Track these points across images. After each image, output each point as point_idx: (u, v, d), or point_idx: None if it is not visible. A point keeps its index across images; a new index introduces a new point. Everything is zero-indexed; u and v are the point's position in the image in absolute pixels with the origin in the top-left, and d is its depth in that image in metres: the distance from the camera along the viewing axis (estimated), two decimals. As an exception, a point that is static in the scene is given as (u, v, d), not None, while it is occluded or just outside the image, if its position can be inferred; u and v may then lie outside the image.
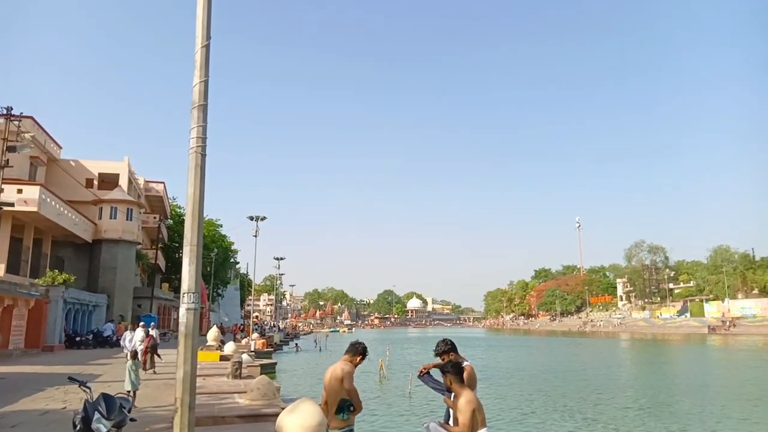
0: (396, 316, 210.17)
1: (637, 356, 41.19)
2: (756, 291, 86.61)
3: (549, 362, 34.37)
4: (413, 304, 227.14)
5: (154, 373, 16.19)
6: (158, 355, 17.63)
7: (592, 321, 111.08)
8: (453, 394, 4.52)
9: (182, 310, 5.11)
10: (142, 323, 21.01)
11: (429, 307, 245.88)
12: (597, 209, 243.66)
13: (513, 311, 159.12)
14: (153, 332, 19.00)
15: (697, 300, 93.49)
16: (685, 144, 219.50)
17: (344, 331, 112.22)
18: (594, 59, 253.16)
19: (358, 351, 4.88)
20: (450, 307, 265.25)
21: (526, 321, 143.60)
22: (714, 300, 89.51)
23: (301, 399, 4.83)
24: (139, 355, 14.70)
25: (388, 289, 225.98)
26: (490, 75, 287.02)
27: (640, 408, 16.16)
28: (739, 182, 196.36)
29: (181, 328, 5.09)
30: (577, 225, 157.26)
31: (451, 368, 4.53)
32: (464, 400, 4.31)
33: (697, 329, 79.03)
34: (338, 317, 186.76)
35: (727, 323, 76.15)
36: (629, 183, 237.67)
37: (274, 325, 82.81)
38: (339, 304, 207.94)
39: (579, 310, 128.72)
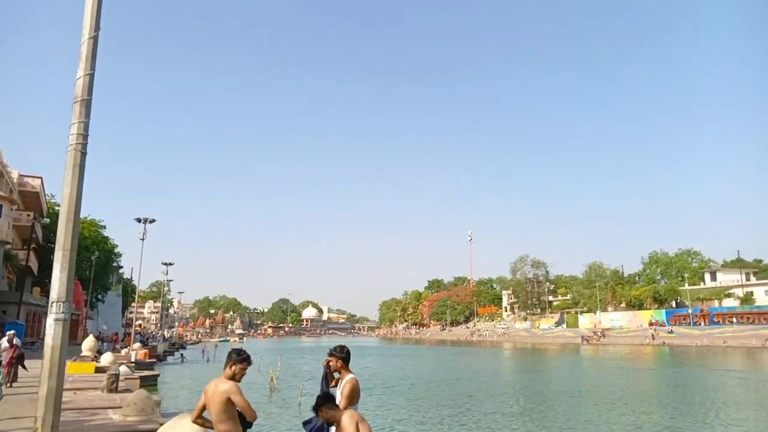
0: (290, 325, 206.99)
1: (516, 364, 43.62)
2: (623, 304, 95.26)
3: (434, 370, 35.51)
4: (309, 313, 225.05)
5: (9, 386, 14.58)
6: (24, 367, 16.06)
7: (478, 331, 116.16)
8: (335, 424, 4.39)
9: (50, 321, 4.76)
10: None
11: (325, 317, 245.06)
12: (489, 223, 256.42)
13: (406, 321, 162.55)
14: (16, 341, 17.26)
15: (572, 312, 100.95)
16: (565, 166, 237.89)
17: (235, 341, 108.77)
18: (491, 80, 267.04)
19: (231, 360, 4.62)
20: (346, 316, 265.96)
21: (418, 330, 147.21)
22: (587, 312, 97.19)
23: (181, 414, 4.67)
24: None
25: (283, 297, 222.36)
26: (395, 88, 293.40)
27: (510, 413, 17.10)
28: (613, 204, 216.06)
29: (48, 340, 4.75)
30: (470, 238, 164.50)
31: (322, 402, 4.35)
32: (346, 417, 4.35)
33: (572, 339, 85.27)
34: (230, 326, 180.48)
35: (598, 334, 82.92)
36: (518, 199, 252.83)
37: (159, 334, 78.45)
38: (231, 312, 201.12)
39: (467, 320, 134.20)
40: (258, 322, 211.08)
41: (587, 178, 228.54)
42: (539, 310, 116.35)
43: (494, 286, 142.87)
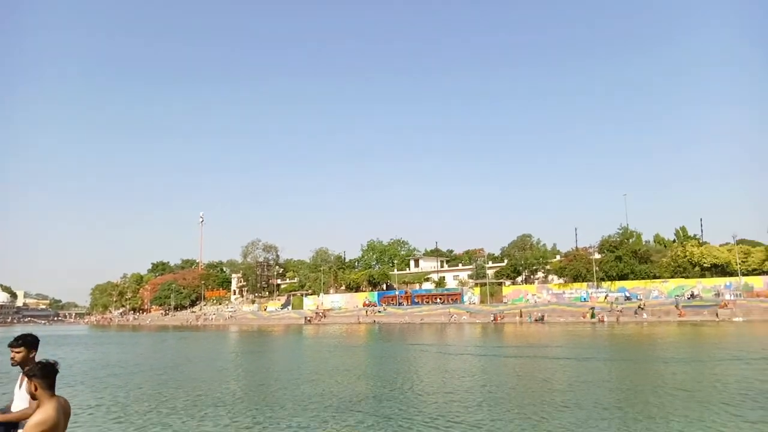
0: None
1: (238, 347, 43.69)
2: (344, 287, 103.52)
3: (147, 358, 33.25)
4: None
5: None
6: None
7: (204, 314, 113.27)
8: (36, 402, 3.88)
9: None
10: None
11: (20, 302, 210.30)
12: (222, 207, 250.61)
13: (124, 306, 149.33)
14: None
15: (299, 294, 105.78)
16: (300, 161, 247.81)
17: None
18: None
19: None
20: (48, 302, 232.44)
21: (137, 316, 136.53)
22: (312, 294, 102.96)
23: None
24: None
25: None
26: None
27: (220, 396, 17.05)
28: (339, 197, 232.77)
29: None
30: (201, 220, 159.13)
31: (39, 371, 3.87)
32: (35, 420, 3.71)
33: (296, 320, 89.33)
34: None
35: (320, 314, 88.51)
36: (254, 184, 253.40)
37: None
38: None
39: (194, 303, 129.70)
40: None
41: (320, 171, 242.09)
42: (268, 293, 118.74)
43: (224, 269, 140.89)
